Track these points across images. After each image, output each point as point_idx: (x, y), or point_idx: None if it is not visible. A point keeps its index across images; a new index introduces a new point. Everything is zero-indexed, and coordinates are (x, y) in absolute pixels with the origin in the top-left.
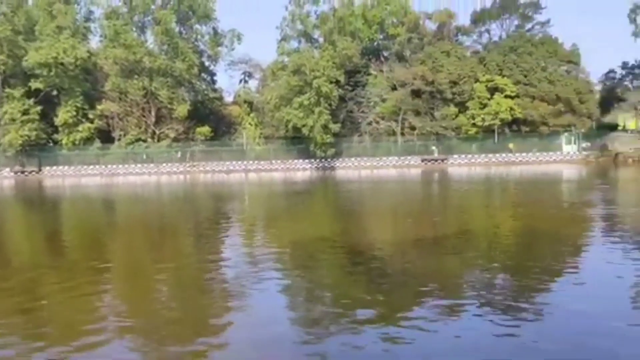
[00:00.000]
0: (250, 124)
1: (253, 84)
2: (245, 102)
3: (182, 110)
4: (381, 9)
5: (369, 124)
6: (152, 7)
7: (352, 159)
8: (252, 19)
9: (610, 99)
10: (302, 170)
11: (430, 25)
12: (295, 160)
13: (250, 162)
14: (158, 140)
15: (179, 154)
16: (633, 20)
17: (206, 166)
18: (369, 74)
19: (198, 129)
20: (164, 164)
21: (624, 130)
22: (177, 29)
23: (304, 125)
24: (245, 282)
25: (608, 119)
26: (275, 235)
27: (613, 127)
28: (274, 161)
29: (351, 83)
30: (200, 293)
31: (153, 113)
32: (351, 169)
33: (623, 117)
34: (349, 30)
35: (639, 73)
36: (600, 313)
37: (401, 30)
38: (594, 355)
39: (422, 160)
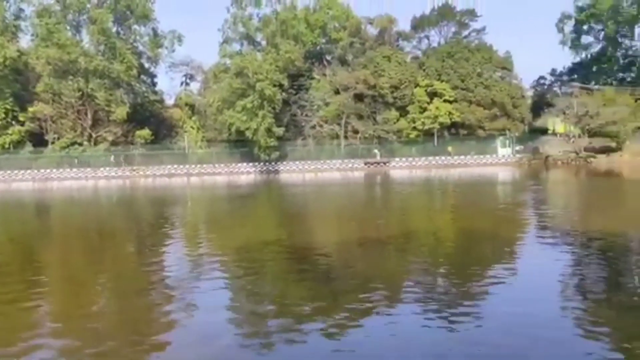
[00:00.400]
0: (192, 127)
1: (195, 86)
2: (186, 104)
3: (120, 112)
4: (323, 13)
5: (313, 127)
6: (88, 5)
7: (296, 162)
8: (193, 20)
9: (540, 104)
10: (245, 174)
11: (372, 30)
12: (239, 164)
13: (193, 165)
14: (95, 144)
15: (112, 158)
16: (561, 30)
17: (147, 170)
18: (312, 78)
19: (138, 132)
20: (102, 168)
21: (554, 134)
22: (114, 29)
23: (247, 129)
24: (186, 288)
25: (539, 123)
26: (219, 240)
27: (544, 131)
28: (216, 165)
29: (294, 87)
30: (138, 300)
31: (89, 115)
32: (295, 173)
33: (552, 121)
34: (292, 33)
35: (566, 80)
36: (530, 313)
37: (343, 34)
38: (527, 351)
39: (365, 164)
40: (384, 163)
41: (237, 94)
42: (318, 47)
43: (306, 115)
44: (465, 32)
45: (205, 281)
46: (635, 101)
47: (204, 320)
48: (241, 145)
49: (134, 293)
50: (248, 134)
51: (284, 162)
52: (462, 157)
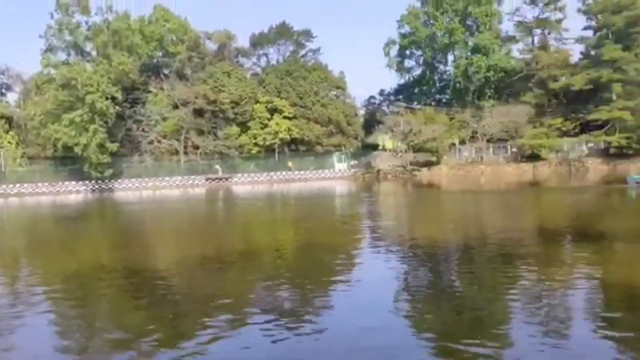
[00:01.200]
0: (9, 142)
1: (12, 97)
2: (3, 117)
3: None
4: (160, 26)
5: (150, 143)
6: None
7: (133, 179)
8: (11, 25)
9: (371, 121)
10: (75, 193)
11: (211, 45)
12: (67, 182)
13: (11, 185)
14: None
15: None
16: (387, 54)
17: None
18: (149, 92)
19: None
20: None
21: (384, 149)
22: None
23: (76, 144)
24: (6, 322)
25: (370, 139)
26: (41, 268)
27: (375, 147)
28: (40, 184)
29: (129, 100)
30: None
31: None
32: (132, 190)
33: (382, 138)
34: (126, 44)
35: (393, 100)
36: (369, 321)
37: (181, 48)
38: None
39: (207, 179)
40: (226, 179)
41: (63, 106)
42: (155, 60)
43: (143, 130)
44: (302, 52)
45: (28, 317)
46: (450, 120)
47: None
48: (69, 162)
49: None
50: (77, 149)
51: (119, 180)
52: (302, 172)
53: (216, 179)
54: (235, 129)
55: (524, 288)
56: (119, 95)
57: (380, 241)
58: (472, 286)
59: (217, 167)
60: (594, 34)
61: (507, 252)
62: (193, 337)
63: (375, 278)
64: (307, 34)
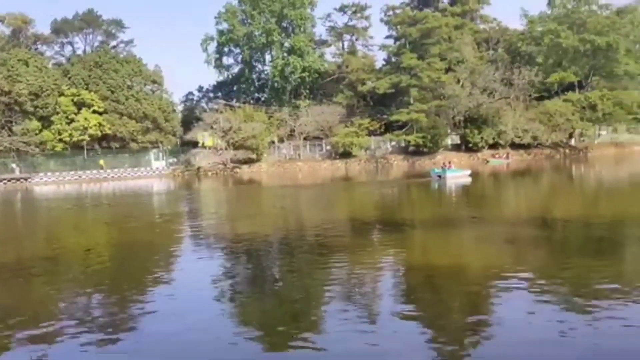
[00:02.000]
0: None
1: None
2: None
3: None
4: None
5: None
6: None
7: None
8: None
9: (190, 118)
10: None
11: (3, 29)
12: None
13: None
14: None
15: None
16: (205, 50)
17: None
18: None
19: None
20: None
21: (203, 146)
22: None
23: None
24: None
25: (190, 136)
26: None
27: (195, 144)
28: None
29: None
30: None
31: None
32: None
33: (202, 135)
34: None
35: (212, 97)
36: (189, 326)
37: None
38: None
39: (1, 180)
40: (25, 179)
41: None
42: None
43: None
44: (114, 43)
45: None
46: (269, 118)
47: None
48: None
49: None
50: None
51: None
52: (116, 170)
53: (13, 179)
54: (35, 123)
55: (337, 276)
56: None
57: (202, 239)
58: (292, 278)
59: (14, 165)
60: (395, 43)
61: (323, 243)
62: None
63: (197, 277)
64: (118, 24)
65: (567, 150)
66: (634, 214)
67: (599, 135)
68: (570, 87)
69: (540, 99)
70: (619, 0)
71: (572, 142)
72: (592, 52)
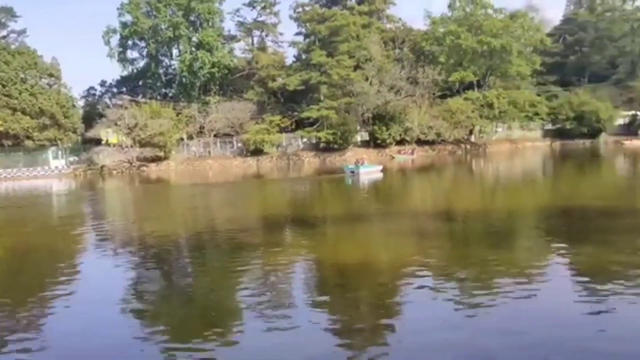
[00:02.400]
0: None
1: None
2: None
3: None
4: None
5: None
6: None
7: None
8: None
9: (92, 114)
10: None
11: None
12: None
13: None
14: None
15: None
16: (107, 43)
17: None
18: None
19: None
20: None
21: (107, 144)
22: None
23: None
24: None
25: (92, 133)
26: None
27: (98, 142)
28: None
29: None
30: None
31: None
32: None
33: (106, 132)
34: None
35: (116, 92)
36: (90, 331)
37: None
38: None
39: None
40: None
41: None
42: None
43: None
44: (4, 32)
45: None
46: (177, 115)
47: None
48: None
49: None
50: None
51: None
52: (9, 170)
53: None
54: None
55: (249, 275)
56: None
57: (107, 242)
58: (204, 278)
59: None
60: (304, 40)
61: (235, 241)
62: None
63: (102, 283)
64: (9, 12)
65: (468, 146)
66: (525, 205)
67: (496, 132)
68: (470, 86)
69: (443, 97)
70: (512, 4)
71: (472, 138)
72: (489, 53)
